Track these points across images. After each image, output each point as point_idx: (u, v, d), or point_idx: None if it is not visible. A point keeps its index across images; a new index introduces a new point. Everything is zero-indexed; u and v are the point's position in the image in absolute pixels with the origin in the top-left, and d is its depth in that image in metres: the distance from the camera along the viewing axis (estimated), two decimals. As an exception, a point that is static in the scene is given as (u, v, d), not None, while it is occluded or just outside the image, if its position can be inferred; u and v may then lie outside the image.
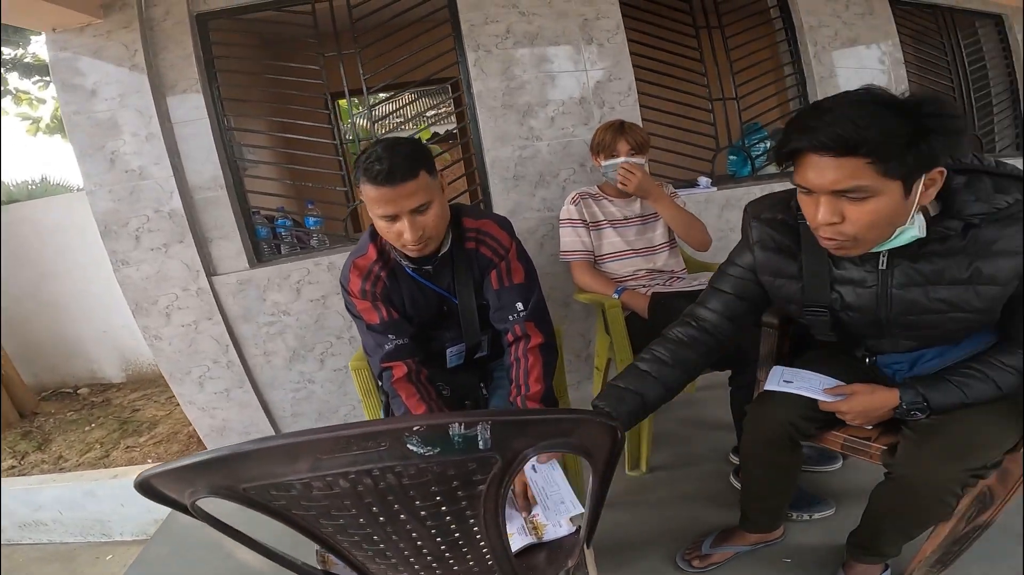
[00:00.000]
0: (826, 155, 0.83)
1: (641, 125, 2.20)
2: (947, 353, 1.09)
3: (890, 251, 0.97)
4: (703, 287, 1.83)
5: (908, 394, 1.04)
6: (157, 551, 1.94)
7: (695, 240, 1.90)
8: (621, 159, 1.81)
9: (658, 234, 1.93)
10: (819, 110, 0.85)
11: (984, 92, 3.17)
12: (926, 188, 0.86)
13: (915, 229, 0.91)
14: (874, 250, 0.95)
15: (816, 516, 1.54)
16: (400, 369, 1.22)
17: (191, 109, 2.09)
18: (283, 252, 2.35)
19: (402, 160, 1.08)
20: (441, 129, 5.64)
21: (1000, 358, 1.01)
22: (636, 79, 2.38)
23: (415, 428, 0.53)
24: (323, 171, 2.48)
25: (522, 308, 1.27)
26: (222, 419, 2.38)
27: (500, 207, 2.34)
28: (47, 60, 1.99)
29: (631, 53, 2.37)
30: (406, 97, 3.12)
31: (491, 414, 0.58)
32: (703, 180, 2.50)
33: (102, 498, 2.59)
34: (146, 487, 0.63)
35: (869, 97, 0.83)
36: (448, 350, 1.37)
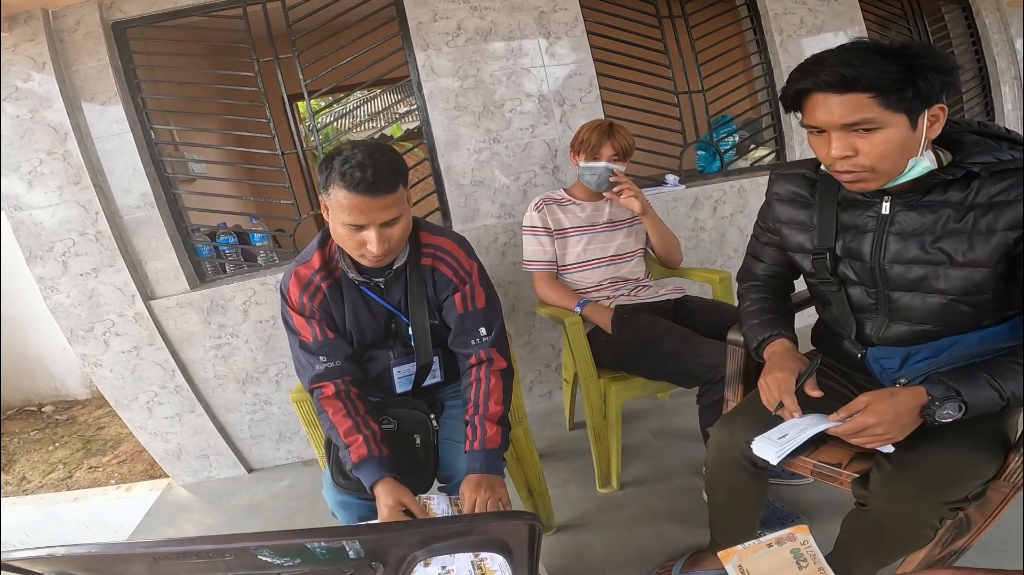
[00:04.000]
0: (830, 93, 0.89)
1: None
2: (940, 353, 1.02)
3: (892, 199, 1.00)
4: (667, 298, 1.78)
5: (936, 388, 0.91)
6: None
7: (674, 258, 1.85)
8: (602, 163, 1.72)
9: (627, 241, 1.84)
10: (818, 58, 0.92)
11: (952, 78, 3.08)
12: (930, 124, 0.91)
13: (927, 161, 0.93)
14: (889, 184, 0.96)
15: None
16: (328, 388, 1.18)
17: (111, 123, 1.93)
18: (227, 271, 2.21)
19: (385, 170, 1.03)
20: (413, 125, 5.45)
21: None
22: (598, 73, 2.27)
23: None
24: (267, 184, 2.33)
25: (485, 334, 1.25)
26: (176, 443, 2.27)
27: (458, 214, 2.23)
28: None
29: (591, 46, 2.25)
30: (362, 96, 2.96)
31: (359, 531, 0.49)
32: (671, 178, 2.40)
33: (65, 521, 2.53)
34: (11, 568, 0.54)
35: (861, 44, 0.90)
36: (395, 370, 1.30)
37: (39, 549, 0.51)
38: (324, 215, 1.12)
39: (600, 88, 2.28)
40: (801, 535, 0.62)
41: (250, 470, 2.37)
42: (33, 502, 2.58)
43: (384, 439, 1.16)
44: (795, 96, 0.95)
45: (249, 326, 2.13)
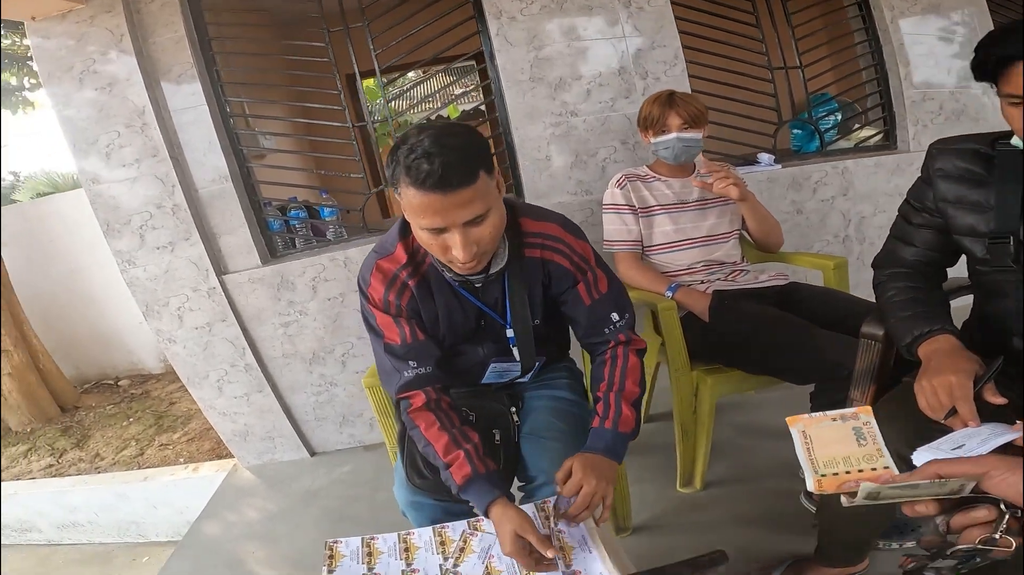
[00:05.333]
0: None
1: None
2: None
3: None
4: (771, 284, 1.60)
5: None
6: (178, 568, 1.86)
7: (774, 242, 1.68)
8: (673, 135, 1.58)
9: (721, 221, 1.66)
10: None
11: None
12: None
13: None
14: None
15: (908, 545, 1.30)
16: (419, 398, 1.03)
17: (188, 96, 1.91)
18: (298, 246, 2.18)
19: (457, 159, 0.84)
20: (469, 106, 5.37)
21: None
22: (683, 46, 2.10)
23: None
24: (337, 157, 2.28)
25: (618, 318, 1.11)
26: (244, 424, 2.27)
27: (531, 190, 2.10)
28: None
29: (676, 18, 2.09)
30: (430, 71, 2.89)
31: None
32: (764, 157, 2.20)
33: (134, 500, 2.59)
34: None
35: None
36: (492, 366, 1.17)
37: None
38: (404, 214, 0.95)
39: (686, 62, 2.10)
40: (864, 416, 0.64)
41: (312, 453, 2.34)
42: (105, 480, 2.65)
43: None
44: (998, 62, 0.85)
45: (317, 303, 2.09)
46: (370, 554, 0.97)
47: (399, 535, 1.00)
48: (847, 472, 0.60)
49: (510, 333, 1.11)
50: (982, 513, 0.50)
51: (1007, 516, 0.48)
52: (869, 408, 0.67)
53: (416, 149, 0.84)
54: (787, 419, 0.68)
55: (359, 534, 1.01)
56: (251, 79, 2.13)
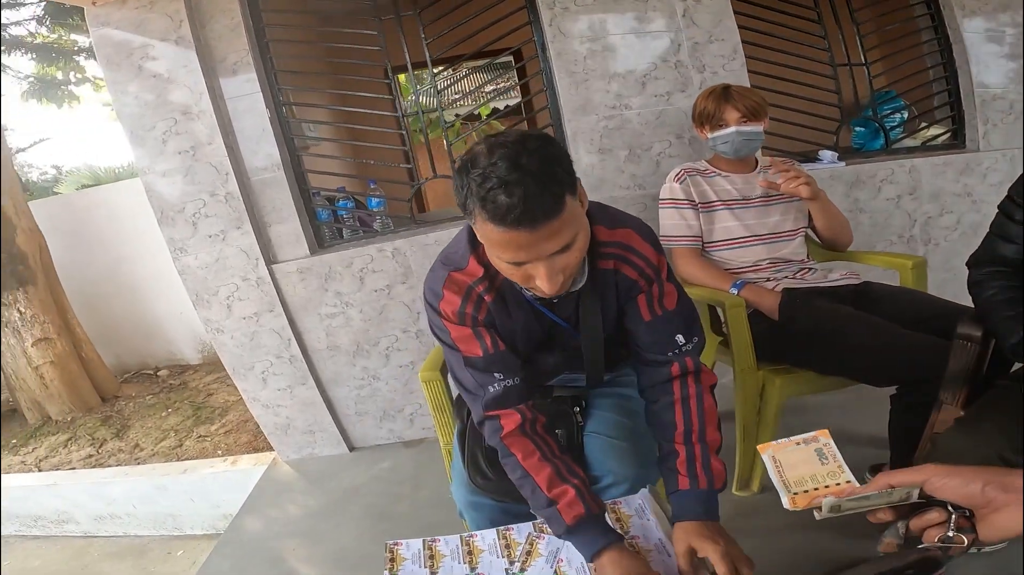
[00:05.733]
0: None
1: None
2: None
3: None
4: (844, 283, 1.52)
5: None
6: (219, 565, 1.84)
7: (842, 241, 1.62)
8: (732, 128, 1.53)
9: (786, 218, 1.60)
10: None
11: None
12: None
13: None
14: None
15: (987, 548, 1.22)
16: (511, 419, 0.92)
17: (243, 83, 1.91)
18: (345, 236, 2.17)
19: (539, 187, 0.72)
20: (500, 104, 5.38)
21: None
22: (743, 41, 2.04)
23: None
24: (385, 147, 2.27)
25: (684, 341, 0.96)
26: (286, 417, 2.26)
27: (583, 184, 2.05)
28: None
29: (735, 12, 2.03)
30: (463, 70, 2.87)
31: None
32: (826, 154, 2.12)
33: (173, 493, 2.58)
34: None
35: None
36: (561, 377, 1.13)
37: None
38: (476, 236, 0.86)
39: (745, 57, 2.04)
40: (823, 438, 0.72)
41: (352, 448, 2.33)
42: (145, 472, 2.65)
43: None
44: None
45: (363, 295, 2.07)
46: (432, 557, 0.93)
47: (461, 538, 0.96)
48: (815, 489, 0.67)
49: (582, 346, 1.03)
50: (935, 515, 0.55)
51: (954, 516, 0.54)
52: (827, 431, 0.72)
53: (490, 177, 0.73)
54: (758, 447, 0.74)
55: (402, 533, 0.98)
56: (300, 68, 2.13)
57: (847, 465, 0.69)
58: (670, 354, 0.96)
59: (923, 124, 2.29)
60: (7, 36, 5.27)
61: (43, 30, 5.50)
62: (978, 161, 2.14)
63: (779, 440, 0.73)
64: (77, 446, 3.23)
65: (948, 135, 2.25)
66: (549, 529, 0.91)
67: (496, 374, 0.93)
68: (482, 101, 5.61)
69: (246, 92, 1.92)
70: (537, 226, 0.74)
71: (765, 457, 0.72)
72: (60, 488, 2.72)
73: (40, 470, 3.05)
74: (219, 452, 2.78)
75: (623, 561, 0.81)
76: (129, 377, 4.20)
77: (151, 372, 4.23)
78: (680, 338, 0.96)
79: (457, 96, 4.94)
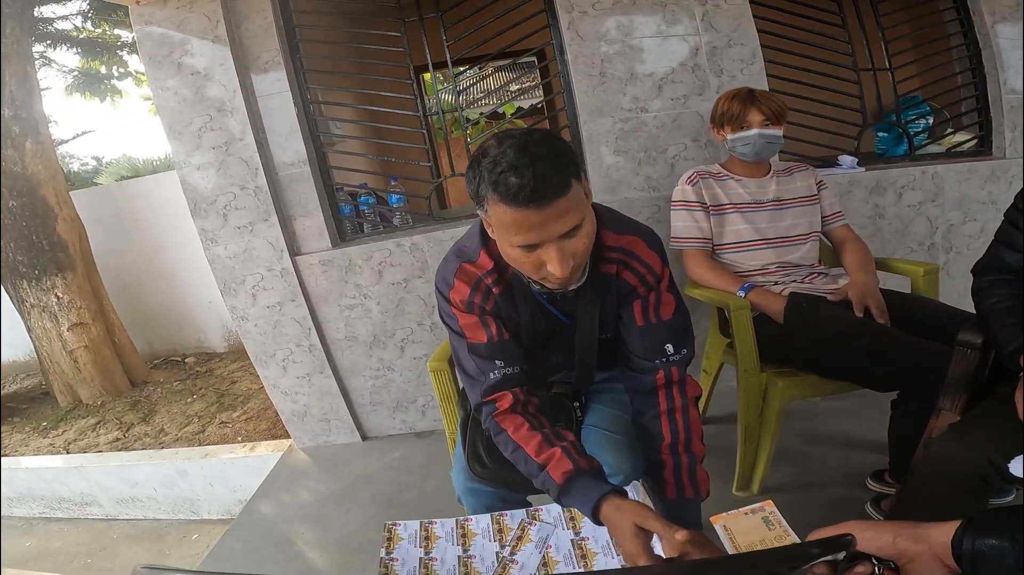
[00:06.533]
0: None
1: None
2: None
3: None
4: None
5: None
6: (231, 546, 1.92)
7: None
8: (754, 131, 1.54)
9: (798, 222, 1.61)
10: None
11: None
12: None
13: None
14: None
15: None
16: (505, 400, 0.96)
17: (274, 82, 2.00)
18: (366, 231, 2.24)
19: (547, 168, 0.77)
20: (525, 103, 5.41)
21: None
22: (762, 45, 2.04)
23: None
24: (407, 145, 2.33)
25: (673, 351, 0.99)
26: (303, 404, 2.34)
27: (598, 185, 2.09)
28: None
29: (755, 16, 2.03)
30: (488, 69, 2.93)
31: None
32: (846, 159, 2.11)
33: (193, 477, 2.67)
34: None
35: None
36: (553, 380, 1.17)
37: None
38: (487, 230, 0.91)
39: (765, 61, 2.04)
40: (769, 507, 0.78)
41: (364, 437, 2.40)
42: (168, 456, 2.76)
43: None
44: None
45: (381, 287, 2.14)
46: (427, 538, 0.98)
47: (457, 521, 1.01)
48: None
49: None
50: (862, 569, 0.58)
51: (879, 568, 0.57)
52: (771, 502, 0.79)
53: (501, 162, 0.78)
54: (710, 518, 0.79)
55: (407, 519, 1.01)
56: (326, 67, 2.21)
57: (792, 530, 0.75)
58: (657, 362, 0.99)
59: (949, 130, 2.26)
60: (52, 30, 5.50)
61: (88, 25, 5.72)
62: (1004, 168, 2.10)
63: (728, 512, 0.78)
64: (105, 430, 3.37)
65: (975, 141, 2.22)
66: (551, 498, 0.92)
67: (498, 361, 0.97)
68: (506, 99, 5.67)
69: (276, 90, 2.01)
70: (546, 204, 0.78)
71: (717, 527, 0.77)
72: (86, 471, 2.82)
73: (68, 452, 3.18)
74: (239, 439, 2.88)
75: (626, 507, 0.80)
76: (158, 363, 4.37)
77: (179, 359, 4.39)
78: (669, 347, 0.99)
79: (481, 95, 5.01)
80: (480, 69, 2.58)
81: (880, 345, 1.27)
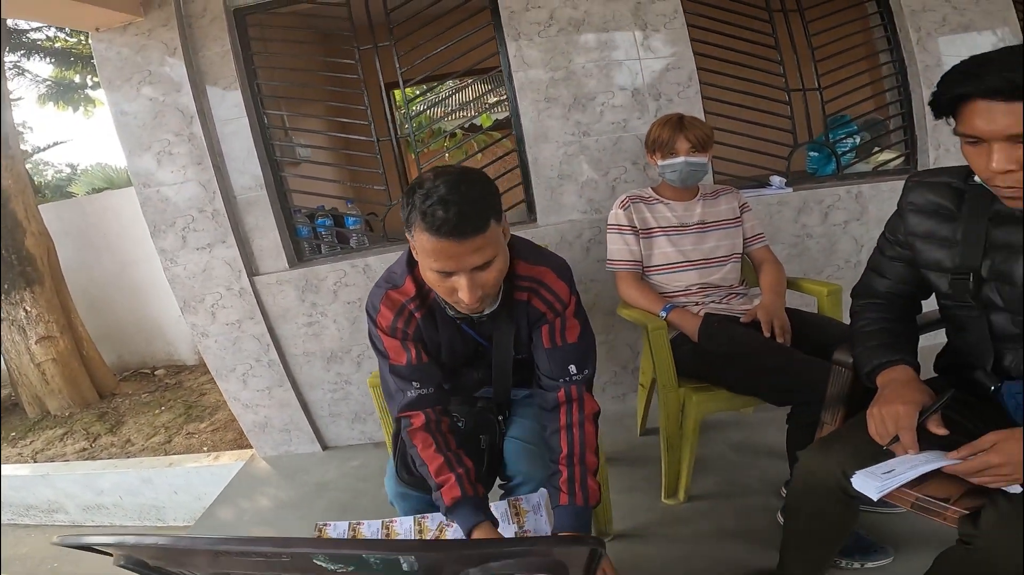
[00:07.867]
0: (995, 100, 0.81)
1: (703, 118, 1.98)
2: None
3: None
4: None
5: None
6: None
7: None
8: (681, 158, 1.64)
9: (720, 244, 1.72)
10: (982, 58, 0.83)
11: None
12: None
13: None
14: None
15: (869, 565, 1.35)
16: (418, 418, 1.08)
17: (231, 107, 2.08)
18: (323, 252, 2.33)
19: (472, 207, 0.88)
20: (502, 115, 5.49)
21: None
22: (698, 68, 2.15)
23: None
24: (362, 169, 2.43)
25: (575, 372, 1.11)
26: (264, 416, 2.42)
27: (543, 207, 2.20)
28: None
29: (692, 39, 2.13)
30: (462, 82, 3.03)
31: (417, 547, 0.47)
32: (776, 179, 2.23)
33: (158, 485, 2.73)
34: (83, 546, 0.61)
35: None
36: (483, 391, 1.28)
37: (113, 535, 0.58)
38: (412, 252, 1.01)
39: (700, 83, 2.15)
40: None
41: (325, 447, 2.48)
42: (133, 465, 2.82)
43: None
44: (951, 101, 0.85)
45: (338, 306, 2.23)
46: (355, 537, 1.08)
47: (383, 522, 1.11)
48: None
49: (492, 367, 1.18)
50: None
51: None
52: None
53: (432, 195, 0.88)
54: None
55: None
56: (289, 92, 2.30)
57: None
58: (560, 380, 1.11)
59: (876, 148, 2.39)
60: (26, 40, 5.49)
61: (61, 35, 5.72)
62: (925, 189, 2.23)
63: None
64: (72, 440, 3.41)
65: (901, 160, 2.33)
66: (440, 512, 1.06)
67: (415, 383, 1.09)
68: (483, 110, 5.77)
69: (234, 116, 2.09)
70: (465, 238, 0.88)
71: None
72: (52, 479, 2.87)
73: (36, 462, 3.22)
74: (205, 448, 2.94)
75: (490, 536, 0.97)
76: (128, 375, 4.39)
77: (149, 371, 4.41)
78: (572, 368, 1.10)
79: (451, 109, 5.08)
80: (460, 81, 2.68)
81: (774, 363, 1.39)
